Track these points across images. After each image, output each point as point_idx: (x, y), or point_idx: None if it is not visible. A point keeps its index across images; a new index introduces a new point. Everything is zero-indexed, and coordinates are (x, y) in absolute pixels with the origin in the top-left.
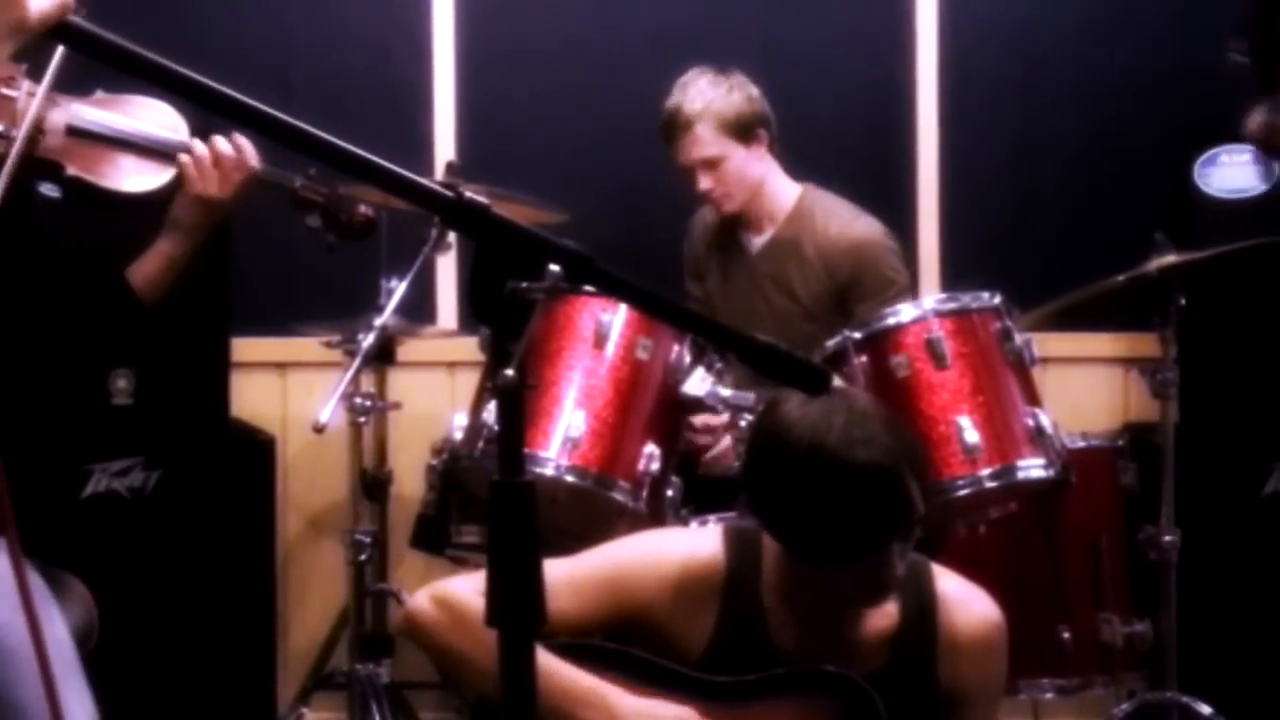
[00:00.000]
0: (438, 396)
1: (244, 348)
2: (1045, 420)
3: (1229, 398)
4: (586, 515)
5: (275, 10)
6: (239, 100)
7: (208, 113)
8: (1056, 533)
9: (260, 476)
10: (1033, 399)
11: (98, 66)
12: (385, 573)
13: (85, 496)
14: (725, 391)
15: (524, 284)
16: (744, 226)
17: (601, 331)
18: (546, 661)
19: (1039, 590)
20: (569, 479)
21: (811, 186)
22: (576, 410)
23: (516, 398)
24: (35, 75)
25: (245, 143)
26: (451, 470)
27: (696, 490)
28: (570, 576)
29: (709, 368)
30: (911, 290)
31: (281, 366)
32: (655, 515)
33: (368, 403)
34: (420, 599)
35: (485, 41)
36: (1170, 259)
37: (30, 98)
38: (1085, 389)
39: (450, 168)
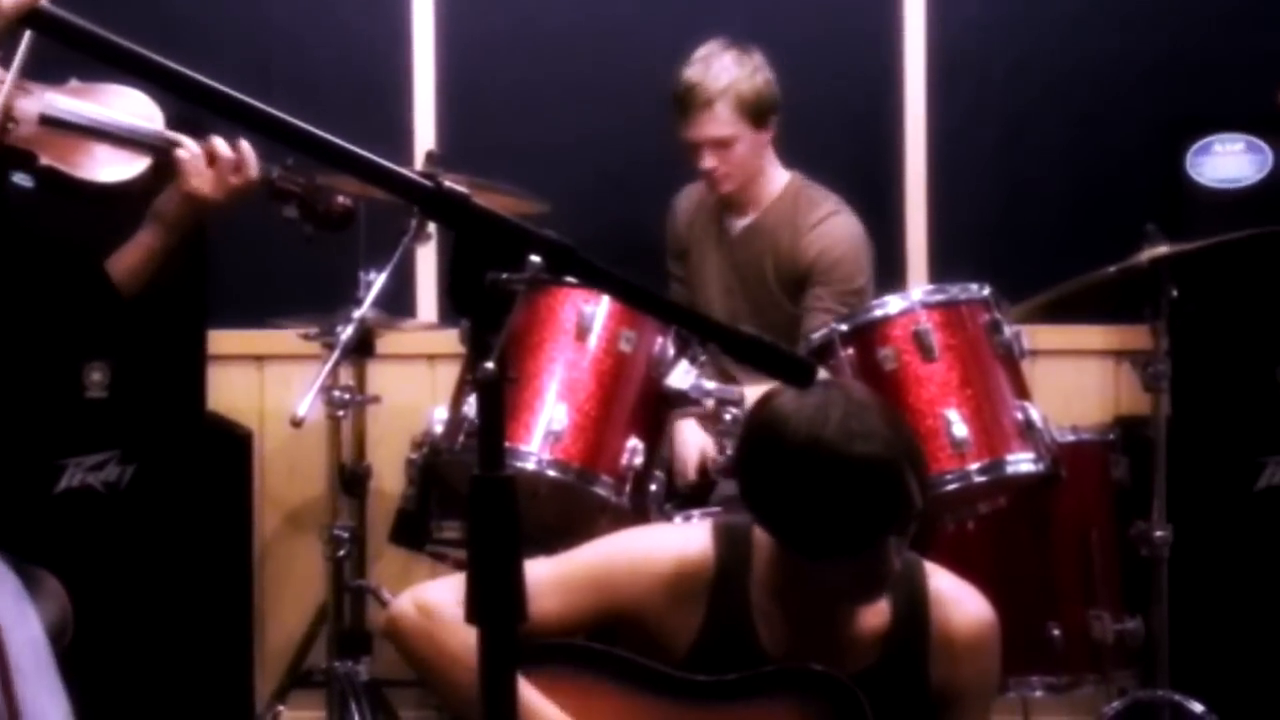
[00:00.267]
0: (417, 390)
1: (221, 340)
2: (1035, 414)
3: (1221, 391)
4: (568, 510)
5: None
6: (214, 88)
7: (184, 102)
8: (1046, 528)
9: (237, 471)
10: (1022, 392)
11: (72, 55)
12: (364, 569)
13: (59, 491)
14: (710, 384)
15: (505, 275)
16: (729, 208)
17: (584, 323)
18: (530, 699)
19: (1029, 586)
20: (551, 473)
21: (799, 175)
22: (558, 403)
23: (497, 391)
24: (5, 63)
25: (247, 149)
26: (431, 464)
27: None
28: (556, 574)
29: (693, 360)
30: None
31: (259, 359)
32: (638, 511)
33: (346, 396)
34: (402, 603)
35: (466, 28)
36: (1162, 250)
37: None
38: (1076, 382)
39: (430, 157)
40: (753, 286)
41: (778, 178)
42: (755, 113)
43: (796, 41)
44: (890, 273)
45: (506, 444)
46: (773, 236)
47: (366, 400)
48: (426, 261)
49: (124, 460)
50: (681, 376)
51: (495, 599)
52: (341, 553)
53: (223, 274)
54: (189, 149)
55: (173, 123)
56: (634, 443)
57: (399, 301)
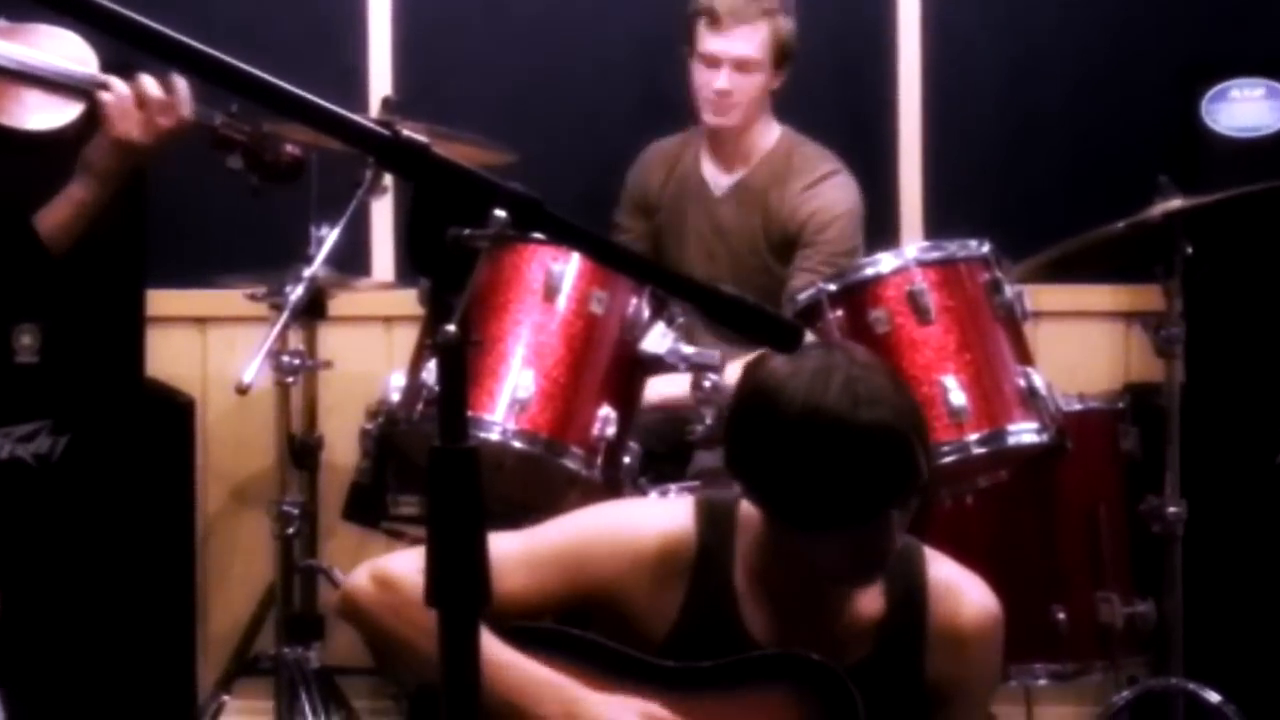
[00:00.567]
0: (373, 354)
1: (160, 301)
2: (1038, 380)
3: (1239, 356)
4: (536, 484)
5: None
6: (152, 28)
7: (119, 43)
8: (1051, 504)
9: (178, 442)
10: (1024, 357)
11: None
12: (315, 548)
13: None
14: (688, 349)
15: (467, 231)
16: (713, 161)
17: (552, 283)
18: (498, 652)
19: (1031, 567)
20: (516, 445)
21: (790, 131)
22: (525, 369)
23: (459, 355)
24: None
25: (181, 85)
26: (388, 435)
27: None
28: (525, 552)
29: (670, 323)
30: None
31: (201, 321)
32: (611, 485)
33: (296, 361)
34: (359, 576)
35: None
36: (1175, 204)
37: None
38: (1082, 346)
39: (386, 104)
40: (738, 250)
41: (770, 132)
42: (781, 52)
43: None
44: (883, 229)
45: (469, 413)
46: (763, 195)
47: (318, 366)
48: (382, 216)
49: (56, 431)
50: (657, 340)
51: (456, 580)
52: (291, 530)
53: (162, 229)
54: (116, 91)
55: (105, 66)
56: (606, 411)
57: (353, 259)
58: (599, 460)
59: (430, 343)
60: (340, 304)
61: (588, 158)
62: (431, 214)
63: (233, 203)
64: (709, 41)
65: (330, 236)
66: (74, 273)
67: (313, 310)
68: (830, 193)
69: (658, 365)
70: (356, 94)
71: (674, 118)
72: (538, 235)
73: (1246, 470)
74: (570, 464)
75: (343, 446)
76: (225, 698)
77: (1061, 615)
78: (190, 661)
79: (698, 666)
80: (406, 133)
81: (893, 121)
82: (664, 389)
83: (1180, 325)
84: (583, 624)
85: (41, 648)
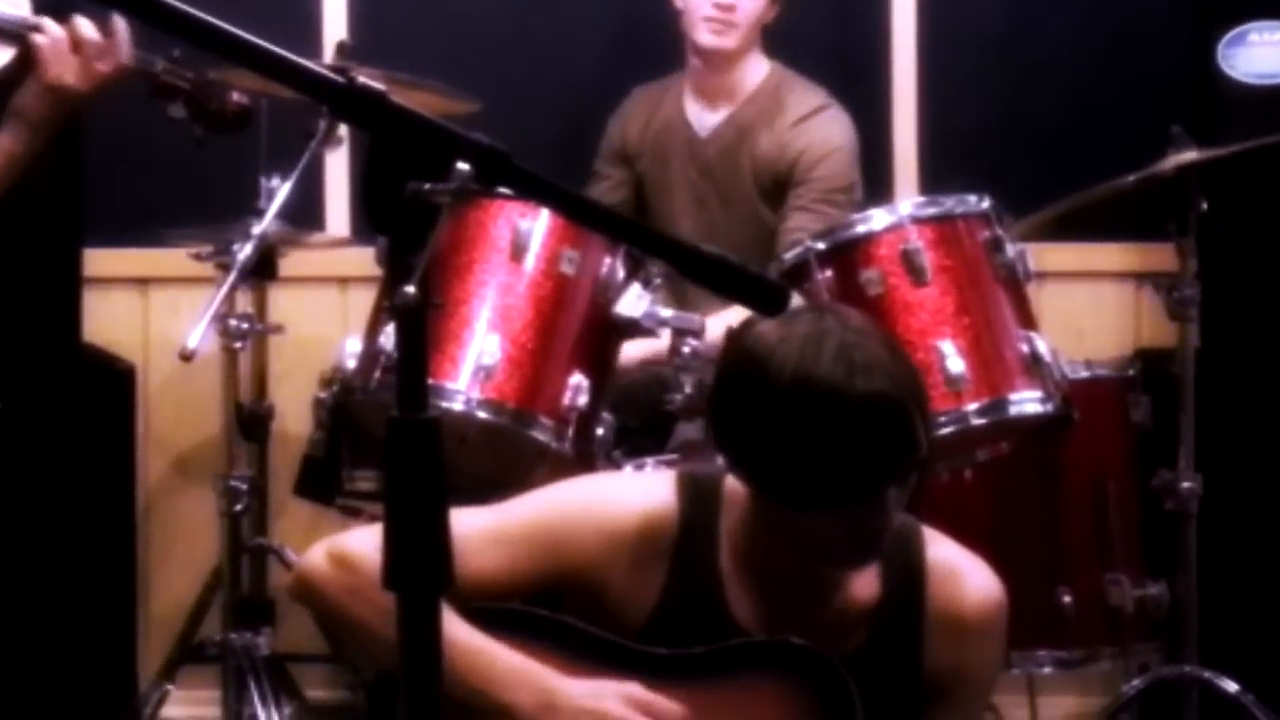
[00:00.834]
0: (327, 318)
1: (98, 260)
2: (1042, 346)
3: (1258, 319)
4: (502, 457)
5: None
6: None
7: None
8: (1055, 479)
9: (117, 412)
10: (1027, 321)
11: None
12: (265, 526)
13: None
14: (666, 312)
15: (428, 185)
16: (697, 100)
17: (519, 242)
18: (464, 636)
19: (1034, 547)
20: (481, 415)
21: (779, 66)
22: (490, 334)
23: (419, 319)
24: None
25: (120, 28)
26: (343, 405)
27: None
28: (492, 529)
29: (646, 284)
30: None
31: (142, 282)
32: (583, 458)
33: (244, 325)
34: (314, 555)
35: None
36: (1190, 155)
37: None
38: (1089, 309)
39: (341, 49)
40: (727, 194)
41: (759, 67)
42: None
43: None
44: (875, 183)
45: (430, 381)
46: (751, 133)
47: (267, 330)
48: (337, 169)
49: None
50: (632, 303)
51: (416, 561)
52: (238, 507)
53: (100, 184)
54: (50, 33)
55: (39, 7)
56: (577, 379)
57: (305, 215)
58: (570, 432)
59: (389, 305)
60: (292, 264)
61: (558, 106)
62: (390, 167)
63: (176, 155)
64: None
65: (281, 191)
66: (5, 231)
67: (262, 270)
68: (823, 127)
69: (633, 329)
70: (309, 38)
71: (652, 61)
72: (504, 190)
73: (1266, 442)
74: (539, 436)
75: (294, 417)
76: (168, 687)
77: (1067, 598)
78: (130, 648)
79: (680, 654)
80: (363, 79)
81: (886, 66)
82: (642, 350)
83: (1195, 286)
84: (553, 608)
85: None
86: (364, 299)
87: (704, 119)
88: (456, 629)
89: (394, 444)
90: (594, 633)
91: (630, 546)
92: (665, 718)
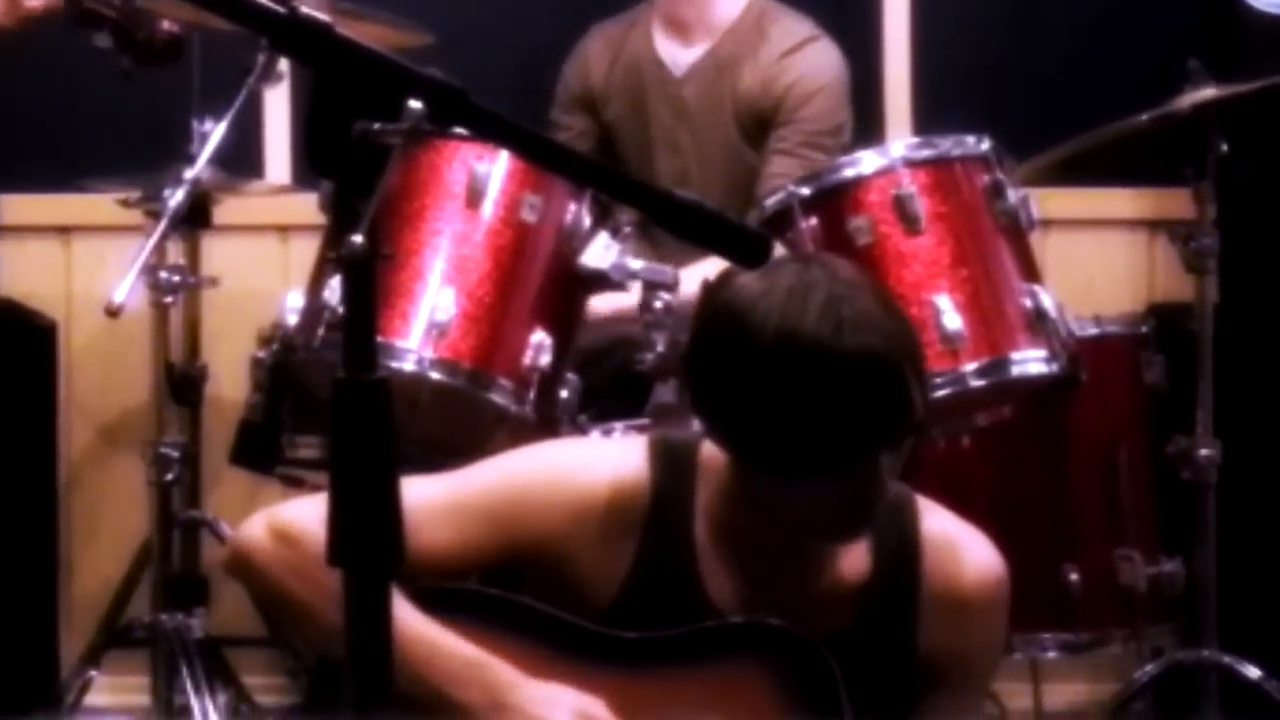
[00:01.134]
0: (266, 270)
1: (16, 207)
2: (1047, 301)
3: None
4: (458, 422)
5: None
6: None
7: None
8: (1062, 445)
9: (38, 372)
10: (1031, 273)
11: None
12: (198, 497)
13: None
14: (636, 263)
15: (377, 125)
16: (669, 36)
17: (476, 187)
18: (414, 623)
19: (1039, 520)
20: (435, 376)
21: None
22: (444, 287)
23: (367, 271)
24: None
25: None
26: (283, 365)
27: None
28: (447, 499)
29: (615, 233)
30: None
31: (64, 231)
32: (545, 422)
33: (176, 278)
34: (252, 528)
35: None
36: (1208, 93)
37: None
38: (1099, 260)
39: None
40: (706, 138)
41: None
42: None
43: None
44: (865, 123)
45: (379, 339)
46: (731, 69)
47: (201, 283)
48: (277, 108)
49: None
50: (599, 253)
51: (364, 536)
52: (170, 476)
53: (17, 124)
54: None
55: None
56: (539, 337)
57: (242, 158)
58: (531, 394)
59: (333, 256)
60: (227, 211)
61: (517, 40)
62: (335, 106)
63: (101, 91)
64: None
65: (216, 132)
66: None
67: (195, 218)
68: (811, 59)
69: (601, 282)
70: None
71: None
72: (460, 130)
73: None
74: (497, 398)
75: (230, 378)
76: (92, 673)
77: (1074, 576)
78: (52, 631)
79: (649, 637)
80: (305, 9)
81: None
82: (610, 305)
83: (1213, 236)
84: (512, 585)
85: None
86: (306, 249)
87: (678, 56)
88: (405, 615)
89: (340, 407)
90: (556, 615)
91: (597, 519)
92: None
